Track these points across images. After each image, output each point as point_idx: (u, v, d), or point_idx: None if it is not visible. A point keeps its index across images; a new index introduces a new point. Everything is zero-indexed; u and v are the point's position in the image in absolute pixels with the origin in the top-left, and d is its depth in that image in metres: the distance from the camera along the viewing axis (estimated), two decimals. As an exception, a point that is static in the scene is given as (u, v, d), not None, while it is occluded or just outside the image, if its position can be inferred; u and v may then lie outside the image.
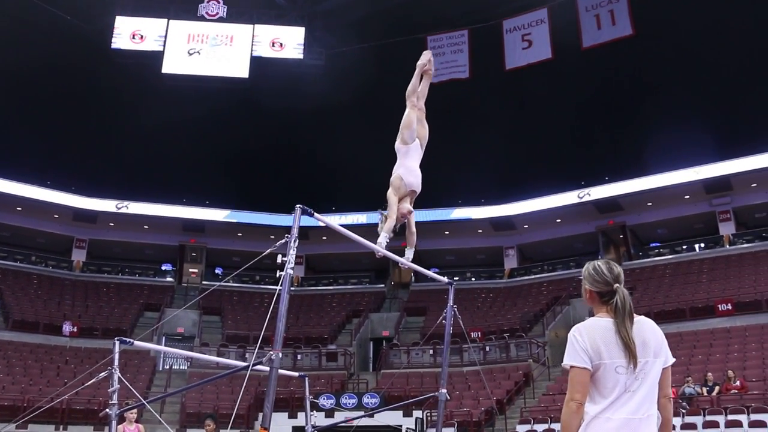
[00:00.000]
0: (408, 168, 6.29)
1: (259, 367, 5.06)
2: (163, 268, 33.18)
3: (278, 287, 4.66)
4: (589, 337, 3.09)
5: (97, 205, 30.61)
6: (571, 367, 3.09)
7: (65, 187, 29.94)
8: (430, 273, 7.23)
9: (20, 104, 28.71)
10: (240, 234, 32.27)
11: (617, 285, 3.18)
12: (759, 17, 26.69)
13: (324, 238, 29.98)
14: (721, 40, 27.62)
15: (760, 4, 26.56)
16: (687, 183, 27.69)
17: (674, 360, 3.27)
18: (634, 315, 3.15)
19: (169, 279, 32.43)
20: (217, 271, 33.27)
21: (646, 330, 3.16)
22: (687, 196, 28.31)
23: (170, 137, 30.13)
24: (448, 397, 6.89)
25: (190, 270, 33.03)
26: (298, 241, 4.71)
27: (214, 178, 30.89)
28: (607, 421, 3.00)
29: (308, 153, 31.95)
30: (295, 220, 4.80)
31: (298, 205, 4.83)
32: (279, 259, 4.59)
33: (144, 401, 6.03)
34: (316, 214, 4.98)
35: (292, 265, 4.59)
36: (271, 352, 4.37)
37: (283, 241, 4.75)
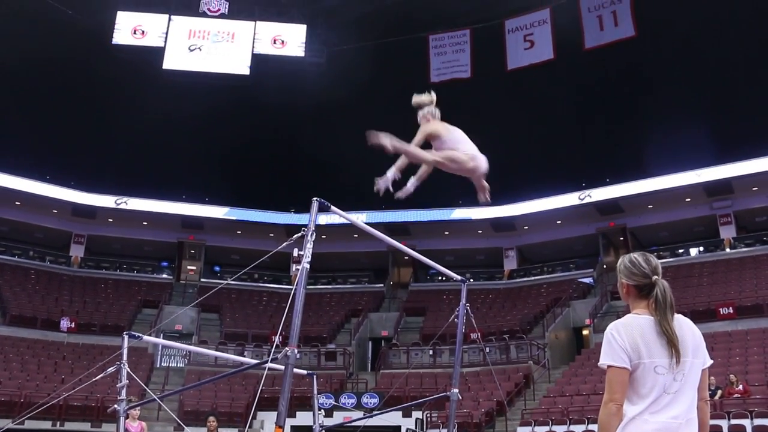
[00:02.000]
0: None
1: (269, 364, 4.94)
2: (162, 264, 33.07)
3: (287, 285, 4.55)
4: (627, 335, 2.97)
5: (96, 201, 30.49)
6: (609, 367, 2.97)
7: (64, 182, 29.83)
8: (442, 269, 7.12)
9: (20, 99, 28.52)
10: (239, 231, 32.17)
11: (656, 277, 3.07)
12: (762, 20, 26.63)
13: (323, 237, 29.85)
14: (722, 42, 27.56)
15: (763, 4, 26.48)
16: (688, 186, 27.62)
17: (712, 362, 3.16)
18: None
19: (167, 276, 32.31)
20: (216, 268, 33.13)
21: (685, 329, 3.06)
22: (688, 199, 28.25)
23: (170, 133, 30.00)
24: (460, 397, 6.79)
25: (189, 267, 32.93)
26: (314, 235, 4.61)
27: (214, 175, 30.75)
28: (645, 423, 2.88)
29: (308, 151, 31.83)
30: (312, 213, 4.70)
31: (314, 198, 4.73)
32: (295, 252, 4.48)
33: (156, 397, 5.91)
34: (333, 207, 4.87)
35: (309, 260, 4.48)
36: (287, 349, 4.27)
37: (298, 235, 4.64)
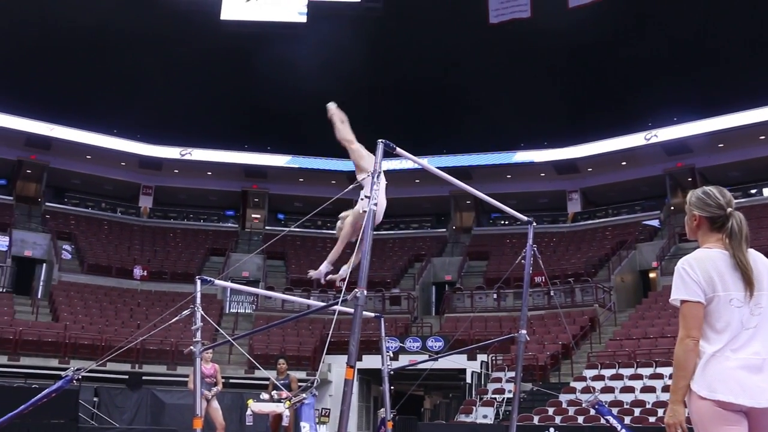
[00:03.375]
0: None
1: (339, 307, 5.00)
2: (227, 213, 33.77)
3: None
4: (700, 269, 2.90)
5: (162, 152, 31.20)
6: (683, 302, 2.91)
7: (131, 135, 30.55)
8: (508, 209, 7.04)
9: (86, 56, 29.07)
10: (301, 179, 32.47)
11: (730, 209, 2.99)
12: None
13: (385, 182, 29.87)
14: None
15: None
16: (762, 122, 26.50)
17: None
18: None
19: (232, 224, 33.00)
20: (280, 216, 33.63)
21: (759, 263, 2.97)
22: (762, 137, 27.14)
23: (231, 84, 30.28)
24: (528, 339, 6.80)
25: (253, 215, 33.51)
26: (382, 175, 4.61)
27: (276, 124, 30.97)
28: (726, 360, 2.82)
29: (368, 97, 31.67)
30: (378, 155, 4.69)
31: (380, 140, 4.71)
32: (361, 194, 4.51)
33: (229, 338, 6.10)
34: (399, 149, 4.86)
35: (376, 202, 4.50)
36: (356, 290, 4.32)
37: (364, 176, 4.66)
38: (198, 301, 5.63)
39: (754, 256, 2.98)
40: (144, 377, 19.31)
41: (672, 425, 2.85)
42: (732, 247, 2.91)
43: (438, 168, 6.15)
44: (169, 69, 30.13)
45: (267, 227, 32.20)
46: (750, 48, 27.26)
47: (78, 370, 7.26)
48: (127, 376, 19.00)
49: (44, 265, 27.05)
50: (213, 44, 29.27)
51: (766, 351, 2.83)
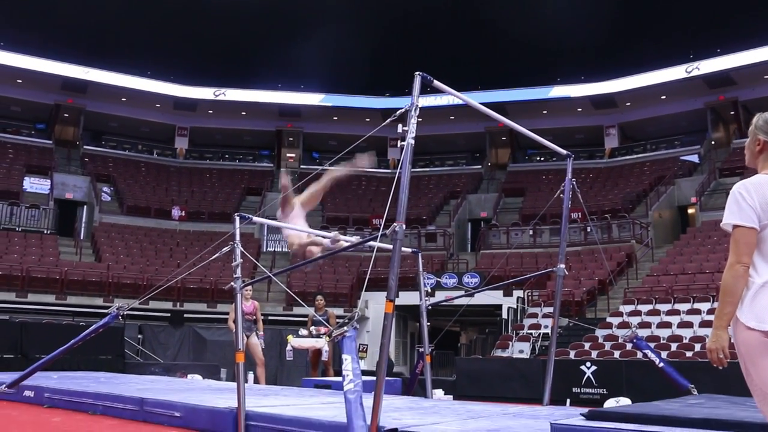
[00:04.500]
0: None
1: (377, 243, 5.02)
2: (262, 153, 33.90)
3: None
4: (758, 194, 2.80)
5: (196, 93, 31.28)
6: (736, 227, 2.82)
7: (165, 76, 30.61)
8: (547, 143, 6.94)
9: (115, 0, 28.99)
10: (335, 118, 32.34)
11: None
12: None
13: (420, 119, 29.58)
14: None
15: None
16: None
17: None
18: None
19: (267, 164, 33.15)
20: (315, 155, 33.67)
21: None
22: (811, 66, 26.21)
23: (262, 23, 30.02)
24: (566, 273, 6.78)
25: (288, 155, 33.60)
26: (419, 109, 4.55)
27: (308, 61, 30.75)
28: None
29: (400, 32, 31.17)
30: (415, 88, 4.62)
31: (417, 73, 4.63)
32: (399, 128, 4.46)
33: (270, 274, 6.18)
34: (436, 82, 4.78)
35: (413, 135, 4.45)
36: (395, 224, 4.32)
37: (401, 110, 4.60)
38: (237, 237, 5.68)
39: None
40: (185, 315, 19.77)
41: (714, 350, 2.81)
42: None
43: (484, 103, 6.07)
44: (198, 8, 29.93)
45: (302, 166, 32.26)
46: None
47: (121, 307, 7.47)
48: (169, 314, 19.45)
49: (85, 207, 27.60)
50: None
51: None
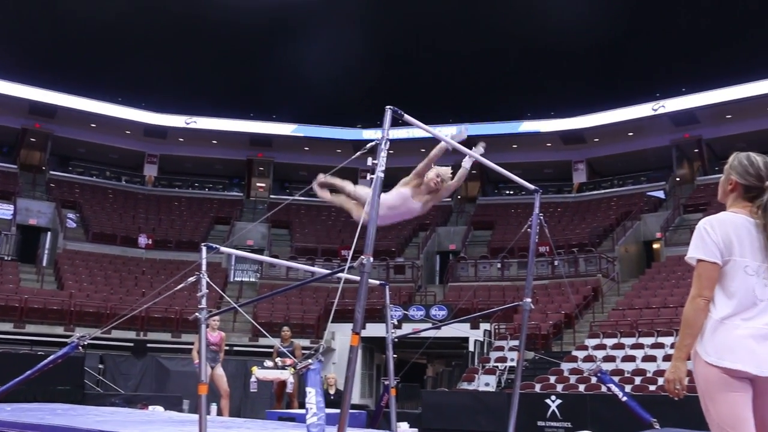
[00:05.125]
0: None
1: (345, 274, 5.00)
2: (232, 182, 33.77)
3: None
4: (721, 230, 2.89)
5: (167, 121, 31.12)
6: (699, 261, 2.90)
7: (136, 103, 30.45)
8: (515, 177, 7.01)
9: (91, 22, 28.78)
10: (307, 148, 32.36)
11: None
12: None
13: (391, 152, 29.66)
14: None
15: None
16: (769, 94, 26.28)
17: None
18: None
19: (237, 193, 33.02)
20: (285, 185, 33.62)
21: None
22: (770, 108, 26.95)
23: (235, 52, 30.08)
24: (532, 307, 6.82)
25: (258, 184, 33.51)
26: (389, 143, 4.57)
27: (281, 92, 30.81)
28: (736, 328, 2.81)
29: (375, 66, 31.44)
30: (386, 121, 4.65)
31: (388, 107, 4.66)
32: (369, 161, 4.47)
33: (235, 305, 6.11)
34: (407, 116, 4.82)
35: (383, 168, 4.47)
36: (362, 257, 4.31)
37: (372, 144, 4.63)
38: (203, 268, 5.63)
39: None
40: (148, 345, 19.45)
41: (672, 380, 2.88)
42: (763, 219, 2.88)
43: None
44: (172, 36, 29.89)
45: (272, 196, 32.21)
46: (759, 17, 26.88)
47: (83, 336, 7.34)
48: (132, 344, 19.14)
49: (49, 233, 27.14)
50: (212, 11, 28.96)
51: None
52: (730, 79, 26.53)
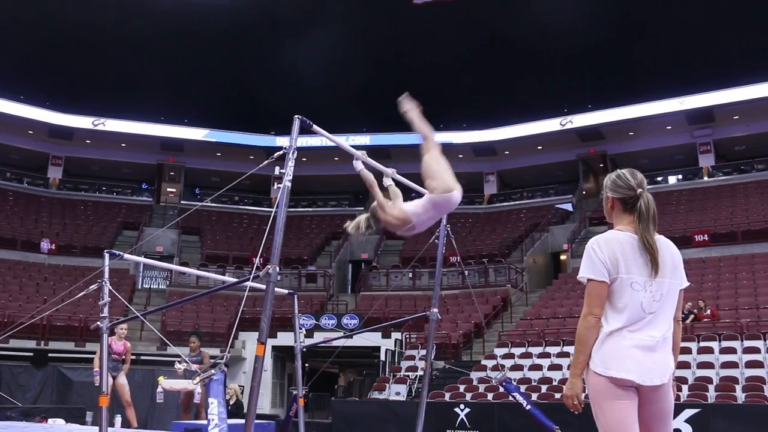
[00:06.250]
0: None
1: (251, 283, 4.97)
2: (142, 186, 32.88)
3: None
4: (608, 249, 3.03)
5: (73, 122, 29.99)
6: (589, 280, 3.04)
7: (39, 102, 29.23)
8: (422, 189, 7.10)
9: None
10: (219, 154, 31.90)
11: (641, 190, 3.12)
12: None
13: (304, 159, 29.67)
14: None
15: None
16: (670, 113, 27.67)
17: (689, 283, 3.24)
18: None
19: (147, 197, 32.18)
20: (196, 191, 33.00)
21: (665, 249, 3.12)
22: (669, 127, 28.34)
23: (148, 53, 29.39)
24: (439, 317, 6.92)
25: (168, 189, 32.76)
26: (296, 152, 4.57)
27: (193, 96, 30.26)
28: (623, 339, 2.96)
29: (285, 71, 31.29)
30: (294, 131, 4.65)
31: (296, 116, 4.66)
32: (276, 171, 4.46)
33: (138, 314, 5.96)
34: (315, 127, 4.83)
35: (290, 178, 4.46)
36: (269, 267, 4.29)
37: (279, 153, 4.62)
38: (106, 275, 5.48)
39: (662, 241, 3.13)
40: (51, 354, 18.68)
41: (569, 397, 3.01)
42: (640, 227, 3.04)
43: (357, 147, 6.17)
44: (82, 33, 28.94)
45: (183, 202, 31.55)
46: (664, 40, 28.25)
47: (-24, 345, 6.99)
48: (31, 353, 18.34)
49: (-57, 236, 25.75)
50: (130, 9, 28.25)
51: (660, 334, 3.00)
52: (633, 97, 27.79)
